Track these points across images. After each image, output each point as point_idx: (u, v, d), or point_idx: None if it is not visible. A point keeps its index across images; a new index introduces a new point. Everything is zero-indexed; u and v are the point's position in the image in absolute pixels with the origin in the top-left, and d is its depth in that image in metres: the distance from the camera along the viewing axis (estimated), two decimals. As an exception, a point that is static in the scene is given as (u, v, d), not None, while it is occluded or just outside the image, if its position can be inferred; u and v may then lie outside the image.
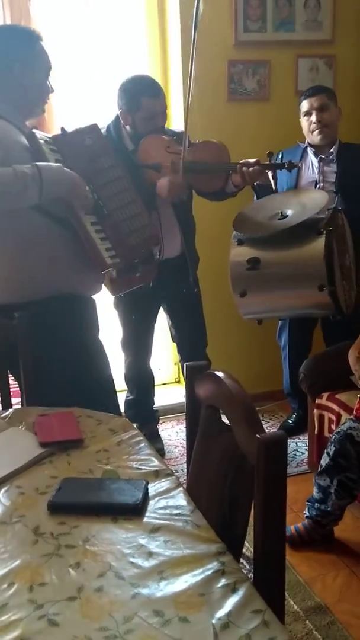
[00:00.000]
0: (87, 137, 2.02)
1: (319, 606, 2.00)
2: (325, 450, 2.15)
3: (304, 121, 2.81)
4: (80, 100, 3.16)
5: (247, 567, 1.49)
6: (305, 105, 2.78)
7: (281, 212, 2.45)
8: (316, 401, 2.55)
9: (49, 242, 1.87)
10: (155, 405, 3.11)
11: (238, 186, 2.51)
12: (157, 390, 3.17)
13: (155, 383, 3.10)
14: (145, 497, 1.16)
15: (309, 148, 2.84)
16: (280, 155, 2.84)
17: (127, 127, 2.54)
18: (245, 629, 0.85)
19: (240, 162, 2.44)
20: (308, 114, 2.77)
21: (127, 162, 2.37)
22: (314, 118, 2.75)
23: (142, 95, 2.46)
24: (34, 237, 1.85)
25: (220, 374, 1.09)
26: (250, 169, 2.41)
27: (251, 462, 0.96)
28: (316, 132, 2.76)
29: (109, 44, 3.15)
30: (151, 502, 1.17)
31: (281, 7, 3.15)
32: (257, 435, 0.91)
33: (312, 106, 2.75)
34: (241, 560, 1.12)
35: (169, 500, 1.17)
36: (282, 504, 0.94)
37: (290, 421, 3.13)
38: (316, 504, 2.20)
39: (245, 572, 1.01)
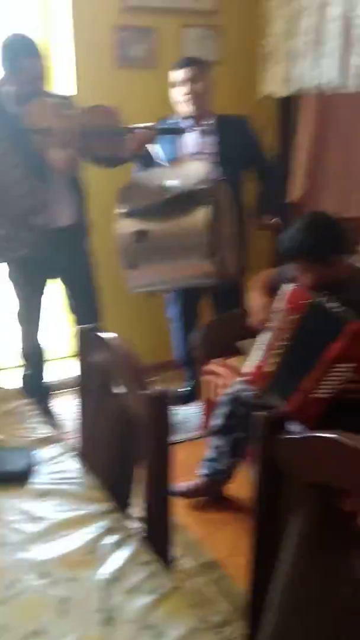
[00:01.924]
0: None
1: (209, 562, 2.08)
2: (216, 412, 2.23)
3: (175, 92, 2.79)
4: None
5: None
6: (176, 75, 2.76)
7: (164, 183, 2.46)
8: (207, 367, 2.62)
9: None
10: (52, 380, 3.05)
11: (132, 151, 2.49)
12: (56, 364, 3.11)
13: (55, 357, 3.04)
14: (30, 464, 1.14)
15: (186, 119, 2.84)
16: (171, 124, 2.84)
17: (8, 88, 2.43)
18: (133, 580, 0.87)
19: (135, 125, 2.41)
20: (180, 84, 2.76)
21: (9, 125, 2.27)
22: (185, 89, 2.74)
23: (22, 54, 2.36)
24: None
25: (109, 336, 1.08)
26: (143, 133, 2.40)
27: (138, 420, 0.97)
28: (188, 102, 2.76)
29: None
30: (40, 469, 1.15)
31: (167, -26, 3.12)
32: (141, 393, 0.92)
33: (183, 77, 2.74)
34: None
35: (58, 465, 1.16)
36: (166, 460, 0.96)
37: (184, 389, 3.20)
38: (209, 462, 2.29)
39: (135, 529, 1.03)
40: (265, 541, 0.89)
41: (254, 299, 2.24)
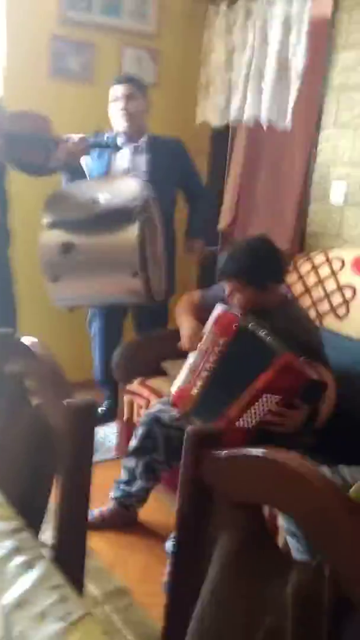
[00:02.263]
0: None
1: (119, 589, 2.00)
2: (134, 433, 2.17)
3: (111, 107, 2.80)
4: None
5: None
6: (114, 91, 2.77)
7: (95, 197, 2.42)
8: (127, 387, 2.56)
9: None
10: None
11: (61, 161, 2.43)
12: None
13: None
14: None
15: (120, 135, 2.83)
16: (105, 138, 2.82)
17: None
18: (40, 605, 0.80)
19: (65, 135, 2.36)
20: (116, 100, 2.77)
21: None
22: (120, 105, 2.75)
23: None
24: None
25: (28, 341, 1.01)
26: (75, 145, 2.36)
27: (57, 433, 0.91)
28: (122, 119, 2.76)
29: None
30: None
31: (109, -9, 3.13)
32: (64, 402, 0.86)
33: (120, 93, 2.75)
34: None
35: None
36: (87, 474, 0.90)
37: (101, 409, 3.11)
38: (122, 485, 2.22)
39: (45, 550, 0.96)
40: (186, 565, 0.85)
41: (185, 323, 2.22)
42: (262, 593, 0.69)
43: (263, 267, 2.01)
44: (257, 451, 0.76)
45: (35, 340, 1.04)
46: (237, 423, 1.83)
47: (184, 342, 2.14)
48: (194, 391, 1.98)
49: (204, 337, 2.01)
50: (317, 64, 2.78)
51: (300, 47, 2.74)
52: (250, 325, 1.90)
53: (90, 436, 0.90)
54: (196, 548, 0.83)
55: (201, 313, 2.17)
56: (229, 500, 0.79)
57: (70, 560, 0.94)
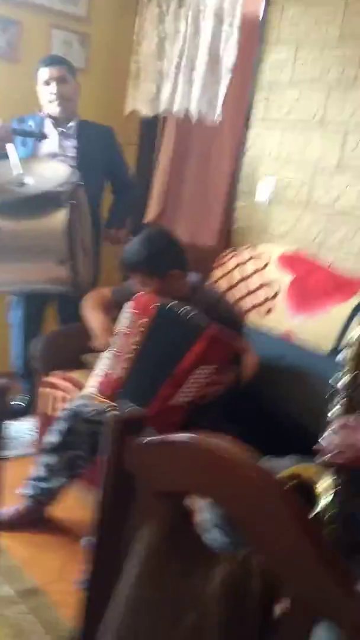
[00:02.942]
0: None
1: (34, 588, 1.92)
2: (54, 428, 2.08)
3: (42, 90, 2.68)
4: None
5: None
6: (44, 73, 2.65)
7: (19, 181, 2.31)
8: (47, 379, 2.46)
9: None
10: None
11: None
12: None
13: None
14: None
15: (48, 119, 2.73)
16: (29, 123, 2.70)
17: None
18: None
19: None
20: (47, 83, 2.66)
21: None
22: (53, 89, 2.64)
23: None
24: None
25: None
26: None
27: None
28: (55, 102, 2.66)
29: None
30: None
31: (38, -32, 3.01)
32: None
33: (52, 76, 2.64)
34: None
35: None
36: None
37: (20, 402, 2.98)
38: (39, 482, 2.12)
39: None
40: (106, 561, 0.80)
41: (94, 321, 2.20)
42: (185, 588, 0.65)
43: (161, 255, 2.05)
44: (183, 436, 0.72)
45: None
46: (173, 400, 1.85)
47: (97, 337, 2.14)
48: (121, 374, 1.94)
49: (124, 321, 2.00)
50: (248, 59, 2.79)
51: (232, 42, 2.74)
52: (169, 303, 1.94)
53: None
54: (116, 542, 0.78)
55: (110, 310, 2.15)
56: (152, 490, 0.74)
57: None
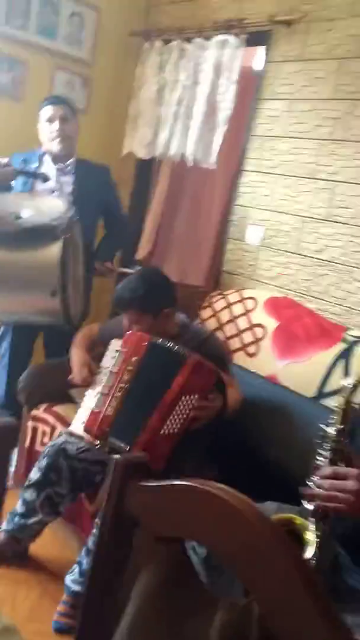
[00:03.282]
0: None
1: (6, 628, 1.87)
2: (37, 464, 2.07)
3: (44, 127, 2.76)
4: None
5: None
6: (47, 111, 2.73)
7: (17, 212, 2.36)
8: (32, 413, 2.46)
9: None
10: None
11: None
12: None
13: None
14: None
15: (47, 155, 2.80)
16: (22, 159, 2.76)
17: None
18: None
19: None
20: (50, 120, 2.74)
21: None
22: (56, 126, 2.72)
23: None
24: None
25: None
26: (2, 169, 2.31)
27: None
28: (57, 140, 2.73)
29: None
30: None
31: (46, 13, 3.12)
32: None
33: (55, 114, 2.72)
34: None
35: None
36: None
37: None
38: (17, 517, 2.09)
39: None
40: (100, 601, 0.80)
41: (74, 356, 2.28)
42: (184, 632, 0.66)
43: (155, 293, 2.10)
44: (186, 482, 0.74)
45: None
46: (161, 431, 1.86)
47: (74, 373, 2.22)
48: (109, 412, 1.95)
49: (112, 360, 2.04)
50: (244, 110, 2.90)
51: (229, 93, 2.84)
52: (160, 340, 1.97)
53: (5, 457, 0.84)
54: (112, 583, 0.79)
55: (96, 346, 2.19)
56: (153, 534, 0.76)
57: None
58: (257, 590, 0.62)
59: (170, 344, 1.95)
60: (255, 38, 2.81)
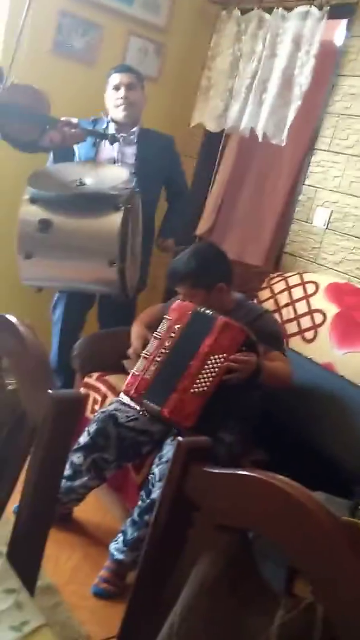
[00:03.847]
0: None
1: (48, 587, 1.93)
2: (87, 428, 2.10)
3: (110, 95, 2.74)
4: None
5: None
6: (114, 79, 2.71)
7: (80, 179, 2.35)
8: (84, 380, 2.48)
9: None
10: None
11: (54, 143, 2.35)
12: None
13: None
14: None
15: (112, 124, 2.77)
16: (91, 120, 2.75)
17: None
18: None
19: (63, 119, 2.30)
20: (116, 88, 2.71)
21: None
22: (121, 94, 2.69)
23: None
24: None
25: (12, 318, 0.94)
26: (73, 130, 2.30)
27: (32, 421, 0.84)
28: (121, 107, 2.70)
29: None
30: None
31: (124, -23, 3.06)
32: (49, 391, 0.79)
33: (121, 82, 2.70)
34: None
35: None
36: (60, 470, 0.84)
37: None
38: (63, 480, 2.13)
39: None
40: (152, 582, 0.80)
41: (133, 331, 2.30)
42: (241, 626, 0.64)
43: (208, 268, 2.08)
44: (252, 472, 0.72)
45: (20, 319, 0.96)
46: (191, 390, 1.90)
47: (132, 344, 2.25)
48: (147, 376, 2.01)
49: (160, 326, 2.07)
50: (320, 86, 2.78)
51: (307, 68, 2.73)
52: (202, 309, 1.99)
53: (70, 431, 0.83)
54: (166, 564, 0.78)
55: (157, 322, 2.18)
56: (213, 521, 0.74)
57: (27, 559, 0.87)
58: (323, 589, 0.60)
59: (208, 311, 1.96)
60: (338, 10, 2.67)
